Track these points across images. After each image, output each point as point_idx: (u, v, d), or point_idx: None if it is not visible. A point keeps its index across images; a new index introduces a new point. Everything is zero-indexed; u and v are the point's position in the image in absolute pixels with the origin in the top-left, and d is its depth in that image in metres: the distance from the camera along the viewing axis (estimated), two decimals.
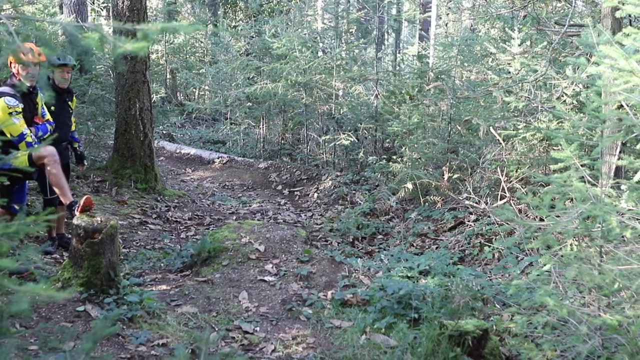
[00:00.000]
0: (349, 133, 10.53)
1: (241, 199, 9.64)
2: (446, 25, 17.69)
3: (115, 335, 4.03)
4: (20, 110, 4.97)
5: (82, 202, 4.69)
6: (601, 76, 3.32)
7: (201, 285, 5.32)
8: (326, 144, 10.89)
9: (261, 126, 13.02)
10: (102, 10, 19.13)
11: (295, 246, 6.16)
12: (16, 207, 5.12)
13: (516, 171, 7.36)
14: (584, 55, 6.49)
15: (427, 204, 8.18)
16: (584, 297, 3.55)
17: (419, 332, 4.38)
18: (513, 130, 7.42)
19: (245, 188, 10.56)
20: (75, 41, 1.89)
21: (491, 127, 7.91)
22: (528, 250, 5.95)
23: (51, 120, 5.45)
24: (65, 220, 6.01)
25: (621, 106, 3.56)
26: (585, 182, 3.49)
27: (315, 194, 9.66)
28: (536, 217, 5.95)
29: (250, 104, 13.27)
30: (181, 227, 7.56)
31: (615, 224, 3.16)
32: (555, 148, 5.15)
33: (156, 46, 17.14)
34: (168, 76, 17.45)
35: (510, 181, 7.31)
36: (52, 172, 4.99)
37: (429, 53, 14.28)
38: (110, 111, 9.40)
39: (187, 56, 18.40)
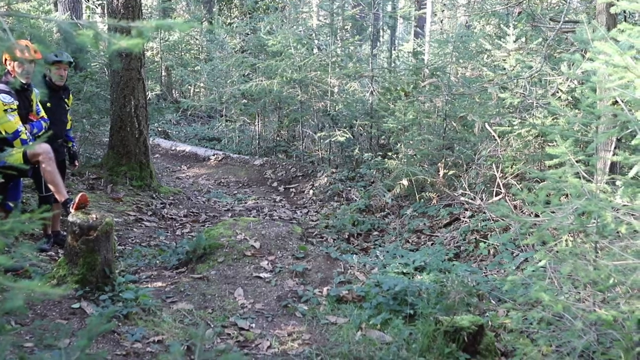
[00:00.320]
0: (345, 130, 10.54)
1: (236, 196, 9.63)
2: (441, 22, 17.68)
3: (110, 332, 4.02)
4: (16, 107, 4.95)
5: (77, 200, 4.68)
6: (596, 72, 3.32)
7: (197, 282, 5.32)
8: (321, 140, 10.89)
9: (256, 123, 13.00)
10: (97, 7, 19.04)
11: (290, 243, 6.16)
12: (11, 204, 5.11)
13: (511, 167, 7.37)
14: (579, 51, 6.51)
15: (422, 200, 8.19)
16: (579, 293, 3.56)
17: (414, 328, 4.39)
18: (508, 126, 7.43)
19: (240, 185, 10.55)
20: (70, 38, 1.89)
21: (486, 124, 7.92)
22: (523, 246, 5.96)
23: (46, 118, 5.43)
24: (61, 217, 5.99)
25: (616, 102, 3.57)
26: (580, 178, 3.50)
27: (311, 191, 9.66)
28: (531, 213, 5.95)
29: (246, 101, 13.25)
30: (176, 224, 7.55)
31: (610, 219, 3.16)
32: (550, 144, 5.16)
33: (151, 43, 17.10)
34: (163, 73, 17.42)
35: (506, 177, 7.32)
36: (47, 169, 4.98)
37: (424, 50, 14.30)
38: (105, 108, 9.38)
39: (182, 53, 18.37)
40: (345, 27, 13.41)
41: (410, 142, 8.73)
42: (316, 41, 12.95)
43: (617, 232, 3.36)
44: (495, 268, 5.96)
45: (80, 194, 4.73)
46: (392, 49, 20.23)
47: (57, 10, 14.43)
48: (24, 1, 14.10)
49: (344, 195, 9.09)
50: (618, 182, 3.56)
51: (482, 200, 7.20)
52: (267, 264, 5.72)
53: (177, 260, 5.91)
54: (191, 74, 15.36)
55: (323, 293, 5.25)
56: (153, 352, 3.95)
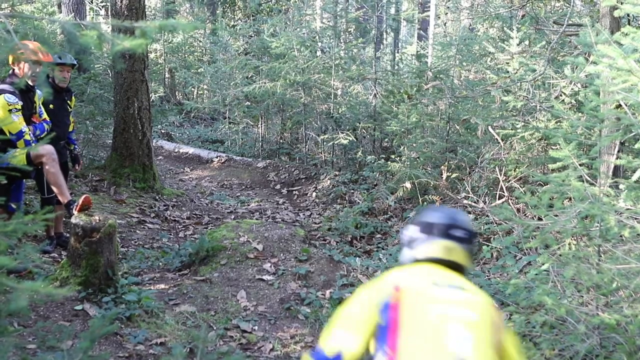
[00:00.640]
0: (348, 132, 10.53)
1: (239, 198, 9.63)
2: (445, 25, 17.66)
3: (113, 334, 4.03)
4: (20, 107, 4.95)
5: (80, 201, 4.68)
6: (599, 75, 3.32)
7: (199, 284, 5.32)
8: (325, 143, 10.88)
9: (260, 125, 13.01)
10: (101, 9, 19.10)
11: (293, 245, 6.15)
12: (13, 205, 5.11)
13: (514, 170, 7.36)
14: (582, 54, 6.50)
15: (425, 203, 8.18)
16: (582, 296, 3.56)
17: None
18: (511, 129, 7.42)
19: (243, 187, 10.55)
20: (73, 39, 1.89)
21: (490, 127, 7.91)
22: (526, 250, 5.95)
23: (48, 120, 5.43)
24: (64, 219, 6.00)
25: (619, 105, 3.56)
26: (583, 181, 3.50)
27: (314, 193, 9.65)
28: (534, 216, 5.95)
29: (249, 103, 13.25)
30: (179, 226, 7.55)
31: (613, 223, 3.16)
32: (553, 147, 5.15)
33: (155, 45, 17.12)
34: (167, 75, 17.43)
35: (509, 180, 7.31)
36: (50, 171, 4.98)
37: (427, 52, 14.30)
38: (108, 110, 9.39)
39: (186, 55, 18.37)
40: (349, 29, 13.39)
41: (414, 144, 8.72)
42: (319, 44, 12.94)
43: (621, 236, 3.36)
44: (498, 271, 5.95)
45: (83, 196, 4.73)
46: (396, 51, 20.23)
47: (60, 12, 14.47)
48: (27, 3, 14.14)
49: (346, 198, 9.09)
50: (621, 186, 3.55)
51: (485, 203, 7.19)
52: (270, 266, 5.71)
53: (179, 262, 5.91)
54: (194, 76, 15.35)
55: (326, 296, 5.25)
56: (155, 354, 3.95)
